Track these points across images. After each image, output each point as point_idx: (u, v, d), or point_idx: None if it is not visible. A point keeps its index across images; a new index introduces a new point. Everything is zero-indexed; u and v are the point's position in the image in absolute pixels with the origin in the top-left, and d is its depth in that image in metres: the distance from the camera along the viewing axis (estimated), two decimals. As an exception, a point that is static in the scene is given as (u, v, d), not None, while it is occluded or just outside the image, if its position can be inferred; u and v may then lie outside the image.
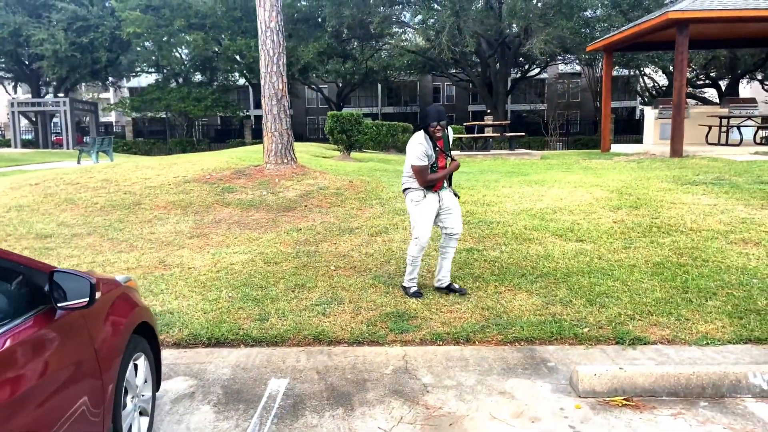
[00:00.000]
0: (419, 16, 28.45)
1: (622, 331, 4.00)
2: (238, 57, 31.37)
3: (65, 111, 29.76)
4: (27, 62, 33.45)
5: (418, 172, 4.43)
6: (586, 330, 4.06)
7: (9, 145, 31.68)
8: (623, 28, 14.66)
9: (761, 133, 15.52)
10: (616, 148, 16.89)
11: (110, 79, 39.60)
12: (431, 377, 3.52)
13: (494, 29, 27.79)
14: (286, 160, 8.19)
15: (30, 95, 36.49)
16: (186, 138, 35.56)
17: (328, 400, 3.25)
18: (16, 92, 41.39)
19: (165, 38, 29.29)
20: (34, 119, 35.09)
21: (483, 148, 16.15)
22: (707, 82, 32.76)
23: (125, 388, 2.53)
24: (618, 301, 4.44)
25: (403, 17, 31.75)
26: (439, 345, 3.99)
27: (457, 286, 4.74)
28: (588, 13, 28.01)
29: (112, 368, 2.33)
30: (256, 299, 4.59)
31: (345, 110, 38.01)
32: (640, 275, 4.90)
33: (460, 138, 18.07)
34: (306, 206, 7.06)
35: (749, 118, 14.22)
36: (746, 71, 29.58)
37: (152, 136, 41.64)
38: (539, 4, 26.14)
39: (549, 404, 3.18)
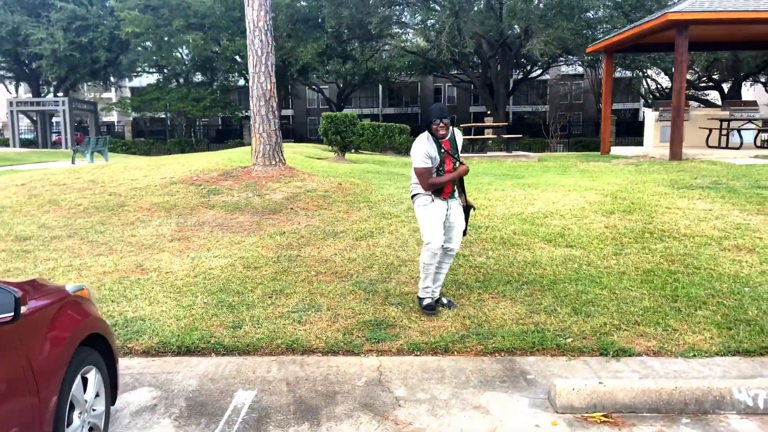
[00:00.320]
0: (418, 16, 28.31)
1: (607, 342, 3.85)
2: (237, 57, 31.30)
3: (64, 111, 29.72)
4: (27, 61, 33.43)
5: (421, 175, 4.18)
6: (569, 340, 3.92)
7: (8, 145, 31.65)
8: (623, 29, 14.51)
9: (762, 136, 15.35)
10: (616, 150, 16.71)
11: (112, 79, 39.59)
12: (405, 390, 3.39)
13: (495, 30, 27.64)
14: (274, 162, 8.06)
15: (31, 95, 36.50)
16: (185, 138, 35.50)
17: (294, 414, 3.12)
18: (17, 92, 41.42)
19: (164, 38, 29.22)
20: (34, 119, 35.09)
21: (480, 150, 16.01)
22: (710, 84, 32.55)
23: (71, 403, 2.40)
24: (604, 310, 4.30)
25: (403, 18, 31.62)
26: (416, 355, 3.85)
27: (445, 300, 4.50)
28: (590, 15, 27.84)
29: (52, 384, 2.20)
30: (232, 306, 4.46)
31: (345, 111, 37.90)
32: (629, 283, 4.76)
33: (458, 140, 17.92)
34: (292, 209, 6.93)
35: (750, 120, 14.05)
36: (749, 73, 29.38)
37: (153, 136, 41.61)
38: (540, 5, 25.98)
39: (524, 420, 3.04)
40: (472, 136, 18.06)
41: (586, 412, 3.08)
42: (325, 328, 4.15)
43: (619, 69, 31.63)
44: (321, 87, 43.90)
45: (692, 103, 30.90)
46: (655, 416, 3.06)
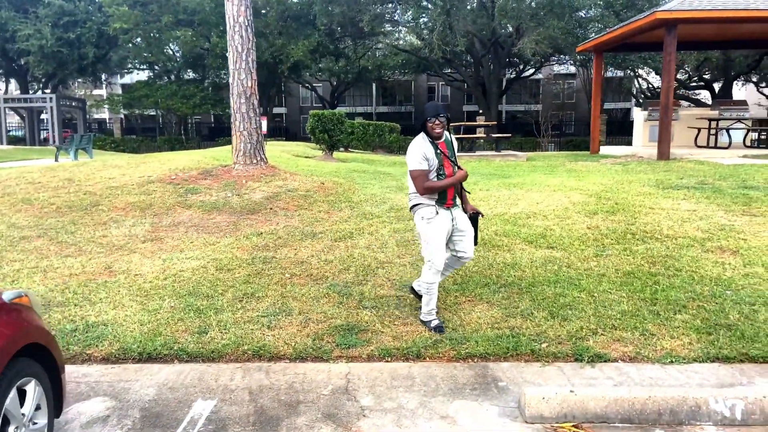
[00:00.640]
0: (410, 14, 28.15)
1: (582, 348, 3.74)
2: (227, 54, 31.01)
3: (52, 107, 29.36)
4: (15, 58, 33.03)
5: (416, 178, 3.85)
6: (544, 345, 3.80)
7: (-4, 142, 31.23)
8: (613, 28, 14.43)
9: (752, 135, 15.32)
10: (606, 149, 16.64)
11: (104, 75, 39.21)
12: (371, 398, 3.26)
13: (487, 28, 27.53)
14: (255, 161, 7.91)
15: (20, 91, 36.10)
16: (175, 136, 35.20)
17: (253, 426, 2.99)
18: (7, 88, 40.97)
19: (153, 34, 28.93)
20: (23, 115, 34.68)
21: (469, 149, 15.90)
22: (700, 83, 32.58)
23: (5, 417, 2.26)
24: (582, 314, 4.19)
25: (395, 16, 31.48)
26: (387, 361, 3.73)
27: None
28: (581, 14, 27.77)
29: (-21, 398, 2.06)
30: (199, 310, 4.32)
31: (338, 109, 37.67)
32: (608, 285, 4.65)
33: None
34: (271, 209, 6.79)
35: (740, 120, 14.00)
36: (740, 73, 29.41)
37: (144, 134, 41.28)
38: (532, 4, 25.89)
39: (492, 431, 2.93)
40: (461, 135, 17.94)
41: (557, 422, 2.97)
42: (295, 333, 4.02)
43: (610, 68, 31.62)
44: (314, 85, 43.68)
45: (683, 102, 30.92)
46: (627, 426, 2.95)
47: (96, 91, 48.72)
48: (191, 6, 28.28)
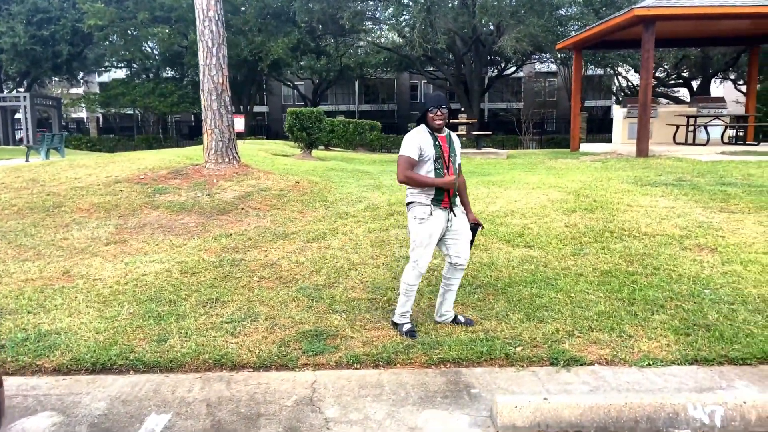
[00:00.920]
0: (390, 11, 27.96)
1: (558, 351, 3.61)
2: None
3: (26, 106, 28.65)
4: (-13, 56, 32.18)
5: (400, 164, 3.67)
6: (519, 349, 3.67)
7: (-33, 142, 30.42)
8: (592, 25, 14.42)
9: (730, 132, 15.42)
10: (586, 147, 16.66)
11: (81, 74, 38.40)
12: (337, 409, 3.09)
13: (468, 26, 27.47)
14: (227, 159, 7.68)
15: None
16: (153, 135, 34.60)
17: (208, 441, 2.80)
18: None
19: (129, 32, 28.36)
20: (-4, 115, 33.79)
21: (450, 147, 15.78)
22: (679, 81, 32.90)
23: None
24: (558, 315, 4.07)
25: (377, 14, 31.29)
26: (355, 368, 3.56)
27: (462, 318, 4.02)
28: (562, 12, 27.84)
29: None
30: (160, 316, 4.11)
31: (320, 107, 37.34)
32: (585, 285, 4.53)
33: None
34: (242, 209, 6.58)
35: (717, 117, 14.07)
36: (718, 70, 29.71)
37: (122, 133, 40.55)
38: (512, 2, 25.88)
39: (462, 443, 2.78)
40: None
41: (530, 432, 2.83)
42: (260, 339, 3.84)
43: (590, 66, 31.79)
44: (296, 83, 43.30)
45: (662, 100, 31.21)
46: (603, 435, 2.82)
47: (74, 90, 47.80)
48: (168, 3, 27.77)
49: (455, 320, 4.05)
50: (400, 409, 3.09)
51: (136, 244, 5.55)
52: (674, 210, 6.29)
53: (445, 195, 3.76)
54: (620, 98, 36.16)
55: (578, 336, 3.80)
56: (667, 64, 30.15)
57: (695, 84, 31.71)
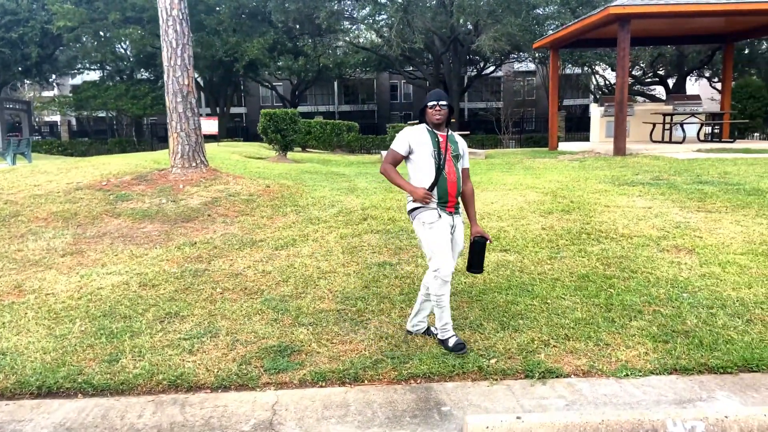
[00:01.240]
0: (366, 10, 27.75)
1: (533, 362, 3.45)
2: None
3: (-6, 110, 27.86)
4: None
5: (386, 157, 3.62)
6: (493, 361, 3.50)
7: (-66, 148, 29.44)
8: (567, 24, 14.39)
9: (705, 129, 15.52)
10: (564, 146, 16.66)
11: (53, 76, 37.52)
12: (298, 433, 2.88)
13: (446, 26, 27.40)
14: (194, 164, 7.42)
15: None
16: (126, 138, 33.91)
17: (155, 475, 2.58)
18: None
19: (102, 33, 27.72)
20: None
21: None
22: (655, 79, 33.23)
23: None
24: (534, 324, 3.91)
25: (354, 13, 31.06)
26: (321, 387, 3.35)
27: (435, 330, 3.78)
28: (539, 11, 27.91)
29: None
30: (113, 334, 3.86)
31: (299, 108, 36.91)
32: (562, 291, 4.39)
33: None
34: (209, 216, 6.33)
35: (693, 114, 14.14)
36: (693, 68, 30.05)
37: (96, 136, 39.70)
38: (489, 1, 25.86)
39: (430, 468, 2.59)
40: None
41: (503, 455, 2.65)
42: (220, 357, 3.61)
43: (568, 65, 31.93)
44: (274, 84, 42.80)
45: (638, 98, 31.50)
46: (579, 456, 2.66)
47: (46, 93, 46.76)
48: (140, 3, 27.19)
49: (428, 332, 3.87)
50: (366, 432, 2.89)
51: (94, 255, 5.27)
52: (651, 210, 6.20)
53: (449, 198, 3.60)
54: (597, 96, 36.45)
55: (554, 345, 3.65)
56: (643, 63, 30.42)
57: (671, 82, 32.05)
